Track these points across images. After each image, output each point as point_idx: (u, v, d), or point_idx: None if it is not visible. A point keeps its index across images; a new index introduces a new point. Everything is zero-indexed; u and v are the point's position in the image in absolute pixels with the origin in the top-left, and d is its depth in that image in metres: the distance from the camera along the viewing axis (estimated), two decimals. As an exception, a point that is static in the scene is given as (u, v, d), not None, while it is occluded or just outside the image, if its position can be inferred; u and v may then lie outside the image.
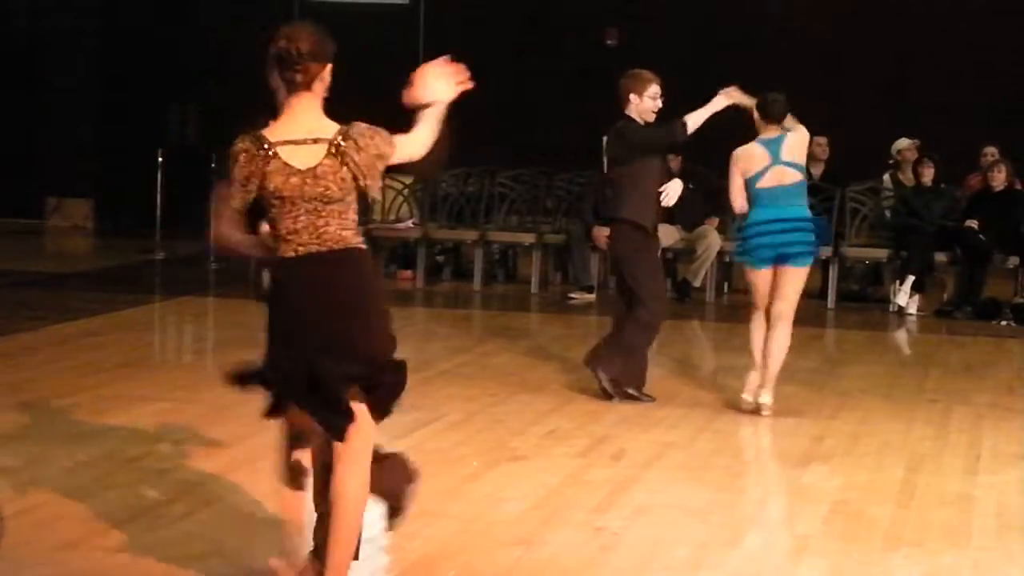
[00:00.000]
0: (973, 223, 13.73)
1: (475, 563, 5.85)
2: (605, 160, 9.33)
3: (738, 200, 8.98)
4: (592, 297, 14.06)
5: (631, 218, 9.12)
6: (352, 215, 5.00)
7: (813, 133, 9.27)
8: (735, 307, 14.13)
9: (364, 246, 5.03)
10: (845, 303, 14.18)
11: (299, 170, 4.91)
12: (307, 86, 5.02)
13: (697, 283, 14.25)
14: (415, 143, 5.12)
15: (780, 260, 8.89)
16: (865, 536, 6.43)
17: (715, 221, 14.37)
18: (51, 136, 18.97)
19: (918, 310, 13.70)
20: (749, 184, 8.88)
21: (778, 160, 8.85)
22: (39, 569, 5.53)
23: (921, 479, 7.46)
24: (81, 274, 15.03)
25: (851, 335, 12.64)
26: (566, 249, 14.90)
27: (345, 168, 4.92)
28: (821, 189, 14.09)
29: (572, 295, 14.11)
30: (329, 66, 5.06)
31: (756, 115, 8.95)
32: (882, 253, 14.17)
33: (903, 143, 15.20)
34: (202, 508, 6.44)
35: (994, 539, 6.47)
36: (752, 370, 9.02)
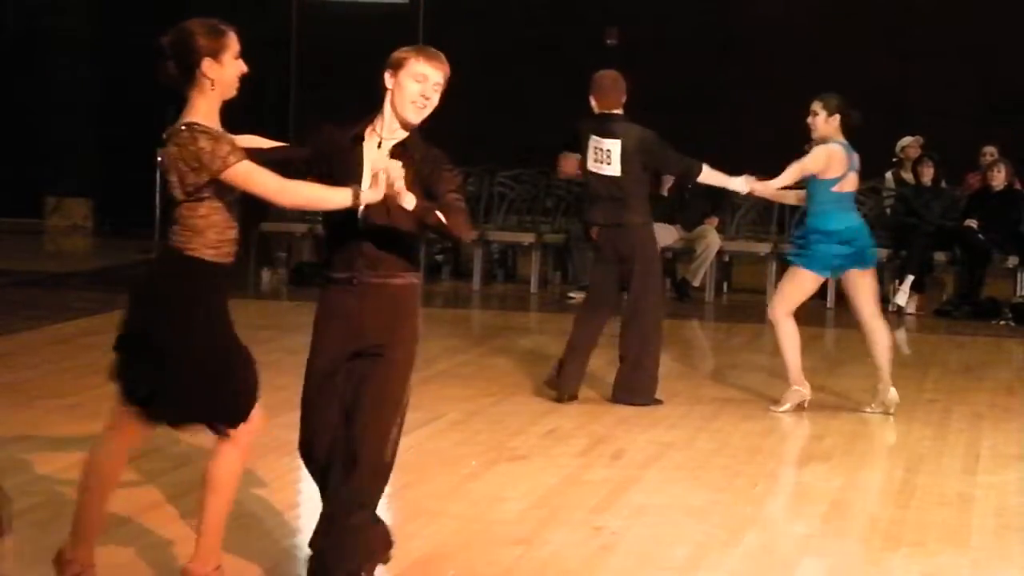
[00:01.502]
0: (972, 223, 13.73)
1: (475, 563, 5.85)
2: (620, 163, 9.12)
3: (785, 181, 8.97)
4: (591, 297, 14.05)
5: (649, 220, 9.24)
6: (183, 215, 4.96)
7: (812, 133, 9.25)
8: (734, 307, 14.14)
9: (185, 254, 4.97)
10: (845, 303, 14.15)
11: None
12: (186, 82, 4.96)
13: (697, 283, 14.26)
14: (286, 188, 4.89)
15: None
16: (865, 536, 6.43)
17: (715, 221, 14.39)
18: (51, 136, 18.96)
19: (917, 310, 13.71)
20: (820, 186, 8.87)
21: (853, 167, 8.88)
22: (39, 569, 5.53)
23: (920, 479, 7.46)
24: (81, 274, 15.02)
25: (851, 335, 12.57)
26: (565, 249, 14.90)
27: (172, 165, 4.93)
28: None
29: (571, 295, 14.10)
30: (207, 62, 4.92)
31: (838, 120, 8.87)
32: (882, 253, 14.16)
33: (906, 140, 15.24)
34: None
35: (993, 539, 6.47)
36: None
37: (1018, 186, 14.22)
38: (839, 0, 17.67)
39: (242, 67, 4.99)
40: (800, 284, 9.04)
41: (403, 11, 18.24)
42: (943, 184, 14.35)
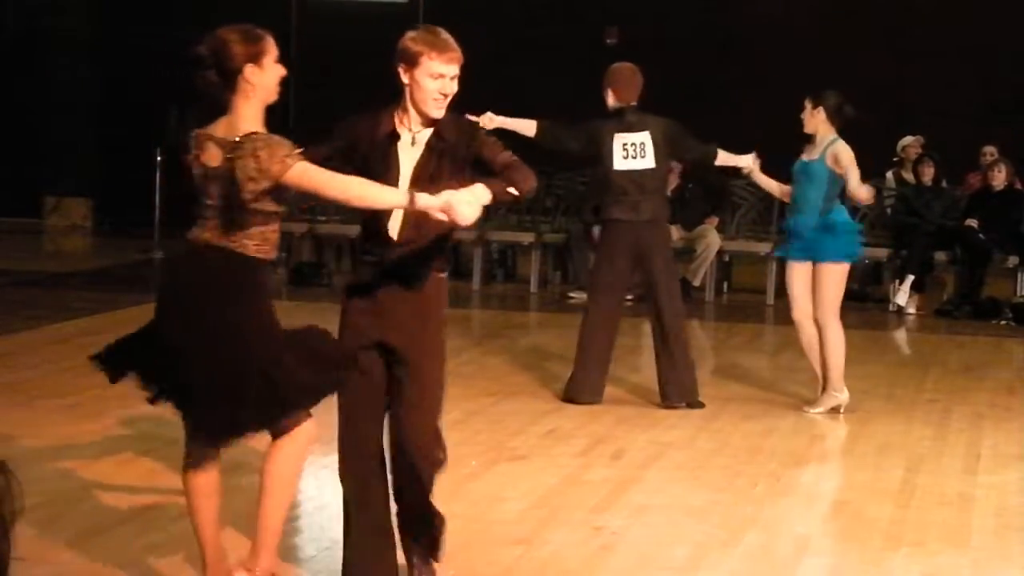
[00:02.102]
0: (973, 222, 13.74)
1: (475, 563, 5.84)
2: (653, 154, 8.97)
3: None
4: (592, 297, 14.05)
5: (668, 216, 9.38)
6: (226, 217, 5.00)
7: (812, 133, 9.26)
8: (734, 307, 14.14)
9: (240, 254, 5.04)
10: (844, 302, 14.13)
11: (205, 166, 4.99)
12: (228, 90, 4.95)
13: (697, 282, 14.26)
14: (341, 186, 4.86)
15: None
16: (865, 536, 6.43)
17: (715, 220, 14.40)
18: (51, 136, 18.97)
19: (917, 309, 13.70)
20: (835, 181, 8.89)
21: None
22: (39, 569, 5.52)
23: (921, 479, 7.45)
24: (80, 273, 15.02)
25: (850, 335, 12.51)
26: (565, 248, 14.90)
27: (229, 173, 4.90)
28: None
29: (571, 294, 14.10)
30: (250, 68, 4.91)
31: (825, 113, 8.86)
32: (882, 252, 14.17)
33: (907, 140, 15.24)
34: (202, 508, 6.42)
35: (993, 539, 6.46)
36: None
37: (1018, 186, 14.23)
38: (839, 0, 17.67)
39: (282, 70, 5.00)
40: (841, 279, 9.07)
41: (403, 11, 18.22)
42: (943, 184, 14.36)
